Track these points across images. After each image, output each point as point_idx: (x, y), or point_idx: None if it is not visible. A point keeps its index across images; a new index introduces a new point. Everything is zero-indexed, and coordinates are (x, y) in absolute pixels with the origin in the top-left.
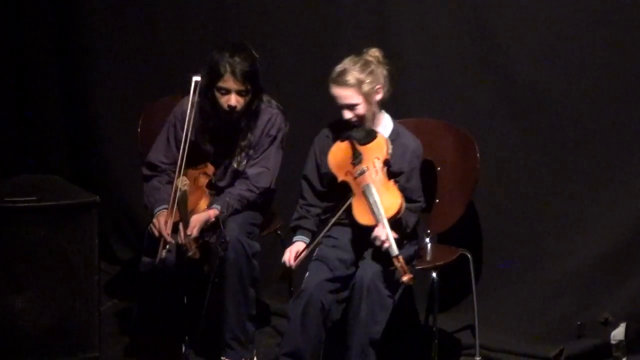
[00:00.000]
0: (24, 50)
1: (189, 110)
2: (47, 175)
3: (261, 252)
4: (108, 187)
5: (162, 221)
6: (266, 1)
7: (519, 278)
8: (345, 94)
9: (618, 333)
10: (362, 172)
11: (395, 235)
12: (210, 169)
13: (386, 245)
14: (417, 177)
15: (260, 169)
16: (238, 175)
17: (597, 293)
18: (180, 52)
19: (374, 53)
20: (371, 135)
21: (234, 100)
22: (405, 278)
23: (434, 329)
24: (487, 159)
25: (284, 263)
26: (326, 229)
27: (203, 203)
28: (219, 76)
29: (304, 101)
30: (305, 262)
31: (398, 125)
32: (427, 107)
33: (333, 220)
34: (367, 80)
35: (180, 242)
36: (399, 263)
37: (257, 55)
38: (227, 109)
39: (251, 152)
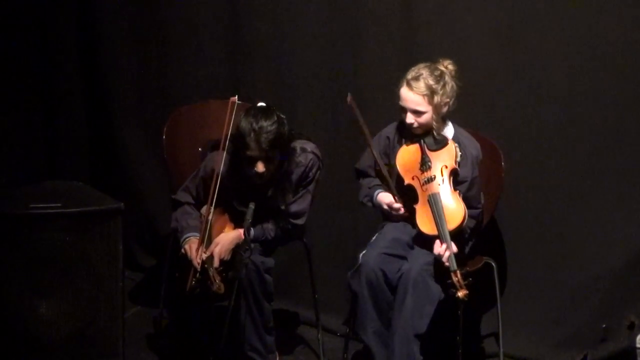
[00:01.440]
0: (50, 60)
1: (227, 129)
2: (72, 182)
3: (289, 261)
4: (131, 195)
5: (194, 249)
6: (284, 8)
7: (543, 284)
8: (416, 100)
9: None
10: (430, 180)
11: (455, 250)
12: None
13: (446, 262)
14: (478, 185)
15: (300, 208)
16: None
17: (622, 297)
18: (202, 60)
19: (449, 66)
20: (442, 142)
21: (261, 167)
22: (460, 294)
23: (458, 338)
24: (512, 166)
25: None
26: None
27: (228, 230)
28: (245, 145)
29: (323, 115)
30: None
31: (459, 131)
32: (453, 115)
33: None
34: (440, 92)
35: (197, 265)
36: (456, 278)
37: (284, 116)
38: (255, 176)
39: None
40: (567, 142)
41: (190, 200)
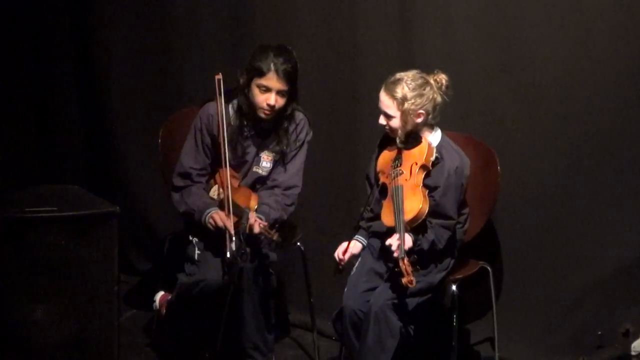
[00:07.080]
0: (45, 63)
1: (218, 109)
2: (68, 186)
3: (282, 265)
4: (126, 199)
5: (223, 216)
6: (284, 16)
7: (539, 289)
8: (386, 102)
9: (639, 344)
10: (397, 174)
11: (410, 244)
12: (233, 172)
13: (396, 250)
14: (452, 194)
15: (291, 175)
16: (261, 180)
17: (618, 303)
18: (198, 64)
19: (440, 79)
20: (415, 141)
21: (273, 99)
22: (404, 280)
23: (453, 343)
24: (508, 170)
25: (335, 257)
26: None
27: (253, 201)
28: (262, 74)
29: (324, 118)
30: (344, 276)
31: (446, 142)
32: (448, 120)
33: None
34: (412, 101)
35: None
36: (403, 265)
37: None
38: (266, 107)
39: (278, 157)
40: (563, 146)
41: (193, 164)
